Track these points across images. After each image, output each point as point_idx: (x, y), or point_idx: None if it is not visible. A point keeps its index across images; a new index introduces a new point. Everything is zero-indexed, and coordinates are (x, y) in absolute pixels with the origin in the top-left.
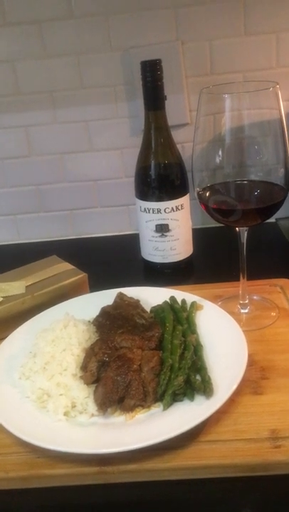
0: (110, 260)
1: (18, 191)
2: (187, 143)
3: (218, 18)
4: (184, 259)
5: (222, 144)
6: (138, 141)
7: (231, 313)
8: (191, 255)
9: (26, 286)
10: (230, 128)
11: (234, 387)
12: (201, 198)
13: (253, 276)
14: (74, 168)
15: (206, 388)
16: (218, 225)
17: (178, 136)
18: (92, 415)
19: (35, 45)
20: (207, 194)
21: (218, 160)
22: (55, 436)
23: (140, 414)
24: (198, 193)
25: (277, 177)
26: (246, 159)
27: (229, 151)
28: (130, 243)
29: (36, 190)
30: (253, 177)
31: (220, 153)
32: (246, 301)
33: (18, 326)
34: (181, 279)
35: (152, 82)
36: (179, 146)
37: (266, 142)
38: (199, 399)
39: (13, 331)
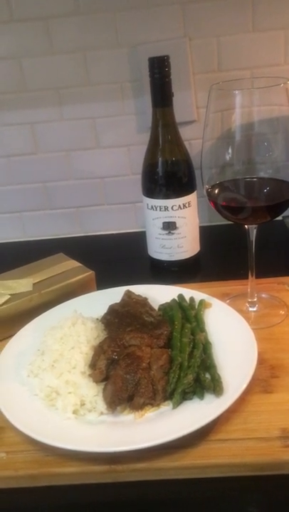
0: (116, 258)
1: (24, 188)
2: (194, 140)
3: (226, 15)
4: (190, 257)
5: (232, 140)
6: (145, 138)
7: (240, 311)
8: (198, 253)
9: (33, 284)
10: (240, 124)
11: (244, 386)
12: (210, 195)
13: (260, 274)
14: (80, 165)
15: (215, 387)
16: (225, 222)
17: (185, 133)
18: (102, 413)
19: (41, 42)
20: (216, 191)
21: (227, 157)
22: (64, 434)
23: (150, 413)
24: (207, 191)
25: (287, 174)
26: (256, 156)
27: (239, 147)
28: (137, 241)
29: (42, 188)
30: (262, 174)
31: (229, 150)
32: (255, 300)
33: (25, 324)
34: (188, 276)
35: (160, 78)
36: (186, 143)
37: (276, 139)
38: (209, 397)
39: (20, 328)
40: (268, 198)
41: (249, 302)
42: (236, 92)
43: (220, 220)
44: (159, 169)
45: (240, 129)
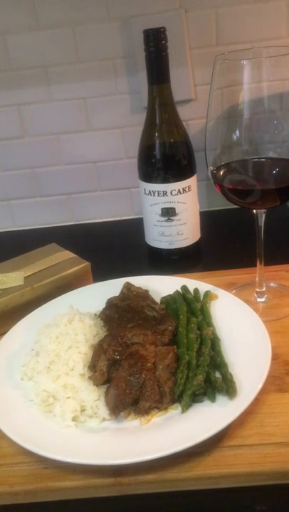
0: (112, 247)
1: (12, 175)
2: (192, 120)
3: None
4: (191, 245)
5: (238, 118)
6: (139, 119)
7: (247, 302)
8: (198, 240)
9: (25, 277)
10: (248, 100)
11: (260, 385)
12: (215, 177)
13: (266, 261)
14: (71, 149)
15: (228, 388)
16: (225, 207)
17: (181, 113)
18: (104, 420)
19: (27, 17)
20: (222, 173)
21: (234, 136)
22: (63, 444)
23: (156, 418)
24: (212, 173)
25: None
26: (264, 135)
27: (246, 125)
28: (133, 229)
29: (31, 174)
30: (271, 154)
31: (236, 128)
32: (263, 289)
33: (16, 321)
34: (189, 265)
35: (156, 52)
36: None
37: (287, 116)
38: (221, 399)
39: (11, 326)
40: (278, 180)
41: (257, 292)
42: (244, 62)
43: (220, 205)
44: (157, 152)
45: (248, 105)
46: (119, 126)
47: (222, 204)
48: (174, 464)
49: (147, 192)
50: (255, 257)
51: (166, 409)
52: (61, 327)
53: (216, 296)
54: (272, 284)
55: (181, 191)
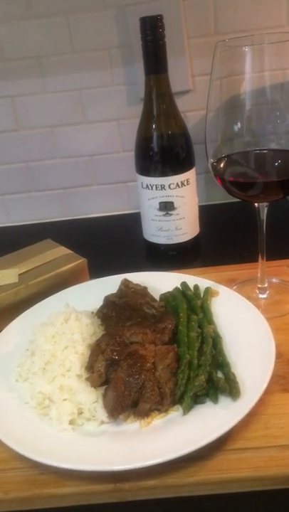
0: (109, 243)
1: (6, 169)
2: (190, 111)
3: None
4: (190, 240)
5: (239, 108)
6: (136, 111)
7: (249, 298)
8: (197, 235)
9: (19, 275)
10: (249, 90)
11: (264, 385)
12: (215, 170)
13: (267, 256)
14: (67, 142)
15: (231, 389)
16: (224, 201)
17: (179, 104)
18: (102, 423)
19: (19, 5)
20: (222, 165)
21: (235, 127)
22: (59, 449)
23: (157, 420)
24: (212, 165)
25: None
26: (267, 125)
27: (247, 116)
28: (130, 223)
29: (26, 168)
30: (274, 145)
31: (237, 119)
32: (265, 285)
33: (11, 320)
34: (188, 261)
35: (153, 41)
36: None
37: None
38: (224, 400)
39: (5, 325)
40: (281, 172)
41: (259, 288)
42: (247, 48)
43: (219, 199)
44: (154, 144)
45: (249, 95)
46: (115, 119)
47: (221, 197)
48: (176, 469)
49: (145, 186)
50: (256, 252)
51: (166, 411)
52: (57, 326)
53: (216, 293)
54: (274, 280)
55: (180, 185)
